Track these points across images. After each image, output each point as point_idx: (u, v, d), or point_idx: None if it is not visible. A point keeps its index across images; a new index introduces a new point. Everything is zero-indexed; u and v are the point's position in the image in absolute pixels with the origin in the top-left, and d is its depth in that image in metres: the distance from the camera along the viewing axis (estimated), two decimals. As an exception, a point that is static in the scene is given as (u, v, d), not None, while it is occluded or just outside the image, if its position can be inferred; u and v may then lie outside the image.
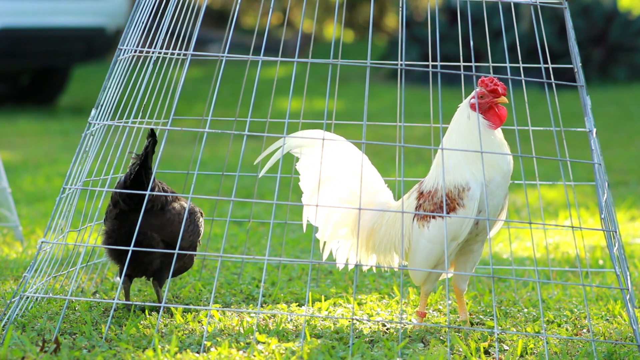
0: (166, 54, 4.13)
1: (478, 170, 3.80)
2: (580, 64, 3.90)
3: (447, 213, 3.81)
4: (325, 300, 4.40)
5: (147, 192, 3.85)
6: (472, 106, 3.83)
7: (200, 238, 4.25)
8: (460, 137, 3.83)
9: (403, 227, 3.88)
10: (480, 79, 3.86)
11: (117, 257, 4.08)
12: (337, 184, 4.10)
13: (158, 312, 4.10)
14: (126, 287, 4.15)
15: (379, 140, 9.94)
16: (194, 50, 3.83)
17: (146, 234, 4.02)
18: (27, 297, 4.03)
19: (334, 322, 4.03)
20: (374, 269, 4.26)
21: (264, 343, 3.68)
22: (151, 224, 4.03)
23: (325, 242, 4.17)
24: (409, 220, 3.92)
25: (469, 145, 3.80)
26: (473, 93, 3.85)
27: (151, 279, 4.20)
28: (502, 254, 5.55)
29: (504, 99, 3.84)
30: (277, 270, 4.98)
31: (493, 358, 3.69)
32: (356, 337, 3.83)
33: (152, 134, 3.94)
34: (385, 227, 4.04)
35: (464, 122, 3.84)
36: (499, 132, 3.86)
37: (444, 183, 3.80)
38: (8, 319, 3.87)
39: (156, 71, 4.20)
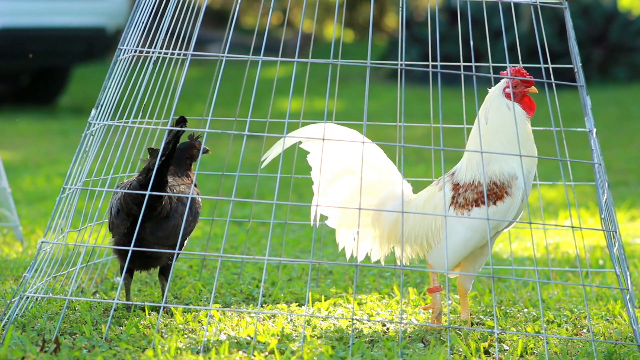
0: (166, 54, 4.13)
1: (520, 161, 3.81)
2: (580, 64, 3.90)
3: (494, 202, 3.82)
4: (325, 300, 4.40)
5: (169, 193, 3.85)
6: (508, 95, 3.84)
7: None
8: (503, 128, 3.82)
9: (446, 221, 3.84)
10: (513, 69, 3.85)
11: (124, 255, 4.04)
12: (352, 175, 4.08)
13: (158, 312, 4.10)
14: (127, 284, 4.14)
15: (379, 140, 9.94)
16: (194, 50, 3.83)
17: (155, 251, 4.02)
18: (27, 297, 4.03)
19: (334, 322, 4.03)
20: (380, 259, 4.22)
21: (264, 343, 3.68)
22: (158, 237, 4.00)
23: (340, 231, 4.15)
24: (441, 209, 3.89)
25: (511, 136, 3.80)
26: (503, 83, 3.85)
27: (158, 274, 4.20)
28: (502, 254, 5.55)
29: (534, 88, 3.86)
30: (277, 270, 4.98)
31: (493, 358, 3.69)
32: (356, 337, 3.83)
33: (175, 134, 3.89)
34: (414, 217, 3.98)
35: (504, 112, 3.84)
36: (529, 121, 3.88)
37: (485, 173, 3.80)
38: (8, 319, 3.87)
39: (156, 71, 4.20)
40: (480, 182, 3.85)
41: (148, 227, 3.97)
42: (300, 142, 4.12)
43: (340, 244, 4.17)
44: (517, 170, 3.82)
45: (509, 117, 3.84)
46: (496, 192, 3.83)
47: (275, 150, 4.10)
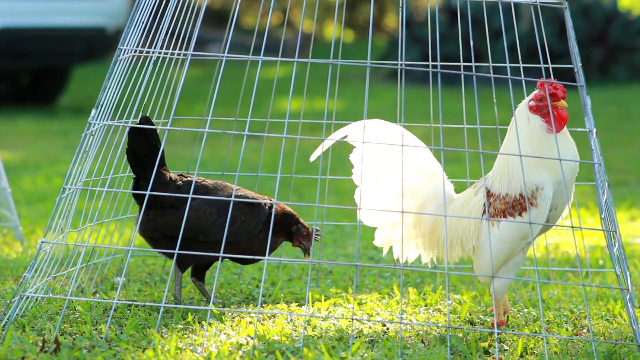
0: (166, 54, 4.13)
1: (547, 172, 3.79)
2: (580, 64, 3.90)
3: (520, 213, 3.80)
4: (325, 300, 4.40)
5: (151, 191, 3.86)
6: (531, 109, 3.82)
7: (249, 227, 4.18)
8: (522, 140, 3.80)
9: (489, 227, 3.82)
10: (539, 82, 3.83)
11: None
12: (393, 177, 4.02)
13: (158, 312, 4.10)
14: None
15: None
16: (194, 50, 3.83)
17: (152, 237, 4.10)
18: (27, 297, 4.03)
19: (334, 322, 4.03)
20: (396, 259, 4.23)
21: (264, 343, 3.68)
22: (158, 224, 4.07)
23: (386, 244, 4.12)
24: (476, 215, 3.88)
25: (530, 148, 3.78)
26: (531, 95, 3.84)
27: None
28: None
29: (562, 102, 3.81)
30: (277, 270, 4.97)
31: (493, 358, 3.69)
32: (356, 337, 3.83)
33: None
34: (450, 221, 3.96)
35: (524, 124, 3.81)
36: (562, 134, 3.81)
37: (521, 184, 3.79)
38: (8, 319, 3.87)
39: (156, 71, 4.20)
40: (508, 193, 3.82)
41: (151, 214, 4.05)
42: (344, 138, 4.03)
43: (385, 247, 4.13)
44: (543, 182, 3.79)
45: (527, 130, 3.81)
46: (521, 203, 3.81)
47: (328, 143, 4.02)
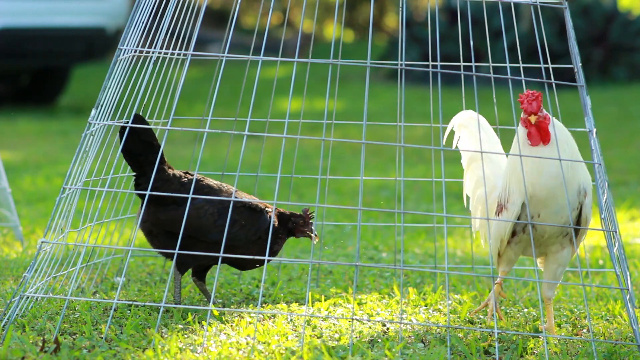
0: (166, 54, 4.13)
1: (514, 184, 3.86)
2: (580, 64, 3.90)
3: (497, 214, 3.92)
4: (325, 300, 4.40)
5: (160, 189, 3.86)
6: (521, 121, 3.84)
7: (249, 232, 4.18)
8: (513, 149, 3.89)
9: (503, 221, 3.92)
10: (522, 95, 3.85)
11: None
12: (477, 165, 4.23)
13: (158, 312, 4.10)
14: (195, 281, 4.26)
15: (379, 140, 9.91)
16: (194, 50, 3.83)
17: (151, 231, 4.09)
18: (27, 297, 4.03)
19: (334, 322, 4.03)
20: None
21: (264, 343, 3.68)
22: (159, 219, 4.08)
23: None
24: (492, 211, 4.02)
25: (510, 157, 3.87)
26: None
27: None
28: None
29: (530, 117, 3.80)
30: (277, 270, 4.98)
31: (493, 358, 3.69)
32: (356, 337, 3.83)
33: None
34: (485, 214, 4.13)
35: (516, 135, 3.87)
36: (550, 150, 3.82)
37: (516, 186, 3.89)
38: (8, 319, 3.87)
39: (156, 71, 4.20)
40: (499, 194, 3.95)
41: (153, 208, 4.08)
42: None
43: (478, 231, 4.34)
44: (513, 189, 3.85)
45: (515, 141, 3.86)
46: (500, 205, 3.93)
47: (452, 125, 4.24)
